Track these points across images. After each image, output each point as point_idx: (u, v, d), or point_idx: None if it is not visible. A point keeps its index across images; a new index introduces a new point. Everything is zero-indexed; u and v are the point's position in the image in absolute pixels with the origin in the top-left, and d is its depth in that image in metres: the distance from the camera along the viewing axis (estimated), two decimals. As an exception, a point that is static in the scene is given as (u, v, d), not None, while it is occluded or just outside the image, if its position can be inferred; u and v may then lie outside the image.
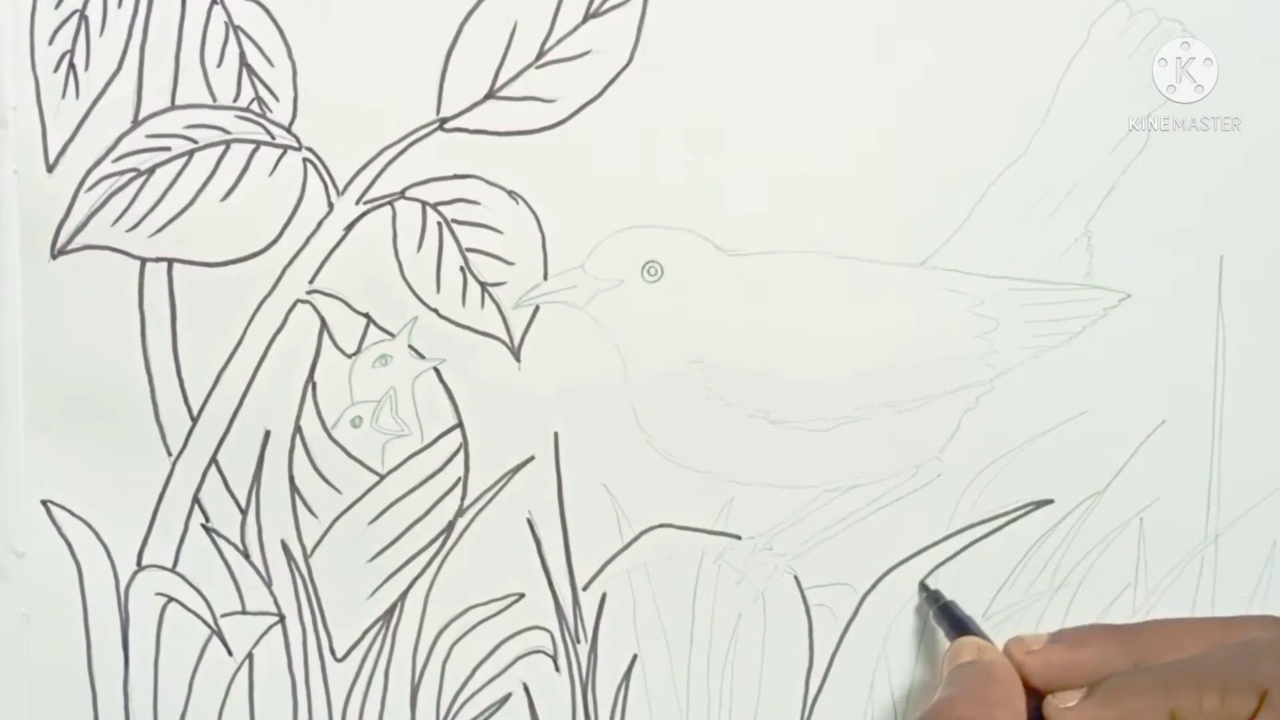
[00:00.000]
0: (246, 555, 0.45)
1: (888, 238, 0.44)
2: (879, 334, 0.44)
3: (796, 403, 0.44)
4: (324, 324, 0.44)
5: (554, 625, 0.45)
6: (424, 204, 0.43)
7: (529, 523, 0.45)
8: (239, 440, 0.44)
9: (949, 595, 0.44)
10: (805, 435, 0.44)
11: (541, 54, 0.43)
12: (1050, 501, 0.45)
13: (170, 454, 0.44)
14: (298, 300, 0.44)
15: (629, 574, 0.45)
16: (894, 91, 0.43)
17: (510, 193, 0.43)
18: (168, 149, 0.43)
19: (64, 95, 0.43)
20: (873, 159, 0.44)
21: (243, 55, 0.43)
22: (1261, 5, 0.44)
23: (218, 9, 0.43)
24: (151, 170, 0.43)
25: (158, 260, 0.44)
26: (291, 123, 0.43)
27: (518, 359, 0.44)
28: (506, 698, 0.45)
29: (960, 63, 0.44)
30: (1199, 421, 0.45)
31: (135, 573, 0.45)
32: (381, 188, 0.43)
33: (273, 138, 0.43)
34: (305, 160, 0.43)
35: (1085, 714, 0.37)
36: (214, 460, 0.44)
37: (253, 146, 0.43)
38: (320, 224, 0.43)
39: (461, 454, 0.44)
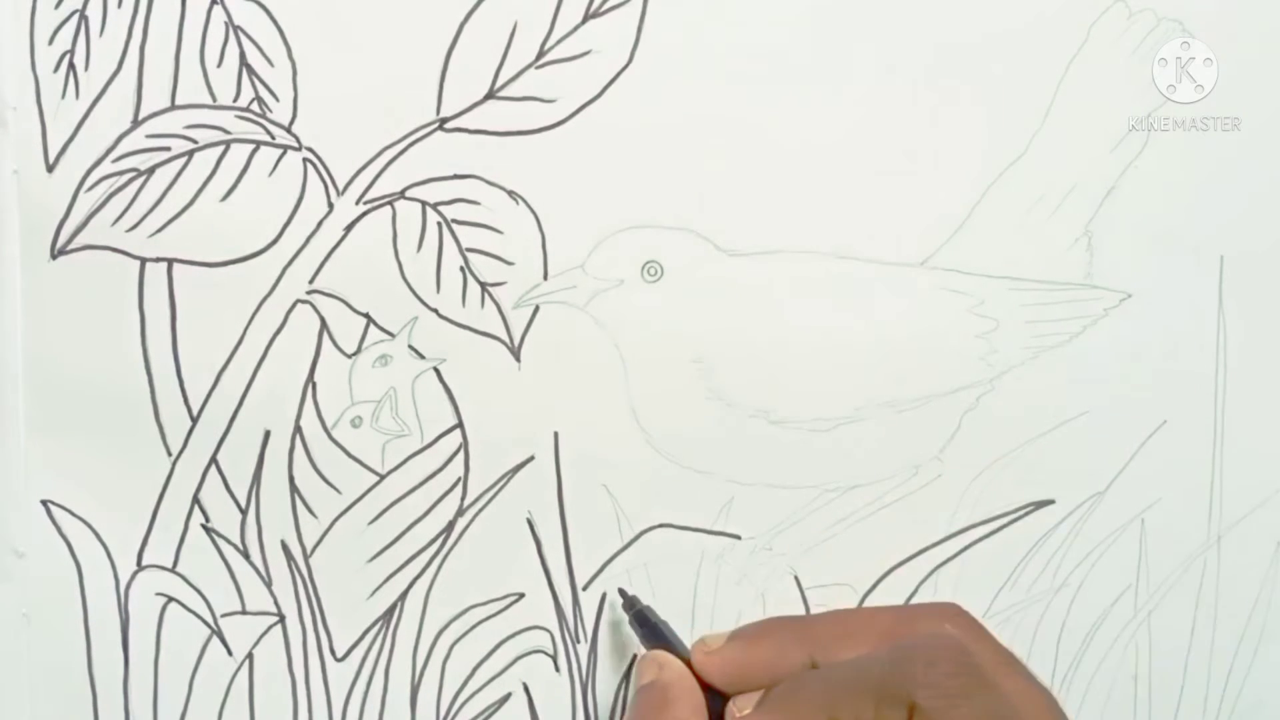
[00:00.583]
0: (246, 555, 0.45)
1: (887, 238, 0.44)
2: (879, 334, 0.44)
3: (796, 403, 0.44)
4: (324, 324, 0.44)
5: (554, 625, 0.45)
6: (424, 204, 0.43)
7: (529, 522, 0.45)
8: (239, 440, 0.44)
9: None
10: (805, 435, 0.44)
11: (541, 54, 0.43)
12: (1051, 502, 0.45)
13: (170, 454, 0.44)
14: (298, 300, 0.44)
15: (629, 574, 0.45)
16: (894, 91, 0.43)
17: (510, 193, 0.43)
18: (168, 149, 0.43)
19: (64, 95, 0.43)
20: (873, 159, 0.44)
21: (243, 55, 0.43)
22: (1261, 5, 0.44)
23: (218, 9, 0.43)
24: (151, 170, 0.43)
25: (158, 260, 0.44)
26: (291, 123, 0.43)
27: (518, 359, 0.44)
28: (506, 697, 0.45)
29: (960, 62, 0.44)
30: (1200, 422, 0.45)
31: (135, 573, 0.45)
32: (381, 188, 0.43)
33: (273, 138, 0.43)
34: (305, 160, 0.43)
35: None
36: (214, 460, 0.44)
37: (253, 146, 0.43)
38: (320, 224, 0.44)
39: (461, 454, 0.44)
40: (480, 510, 0.44)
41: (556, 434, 0.44)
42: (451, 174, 0.43)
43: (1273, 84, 0.44)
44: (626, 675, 0.45)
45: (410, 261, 0.44)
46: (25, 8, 0.43)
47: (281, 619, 0.45)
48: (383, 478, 0.44)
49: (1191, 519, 0.45)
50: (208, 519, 0.44)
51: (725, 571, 0.45)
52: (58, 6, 0.43)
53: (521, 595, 0.45)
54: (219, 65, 0.43)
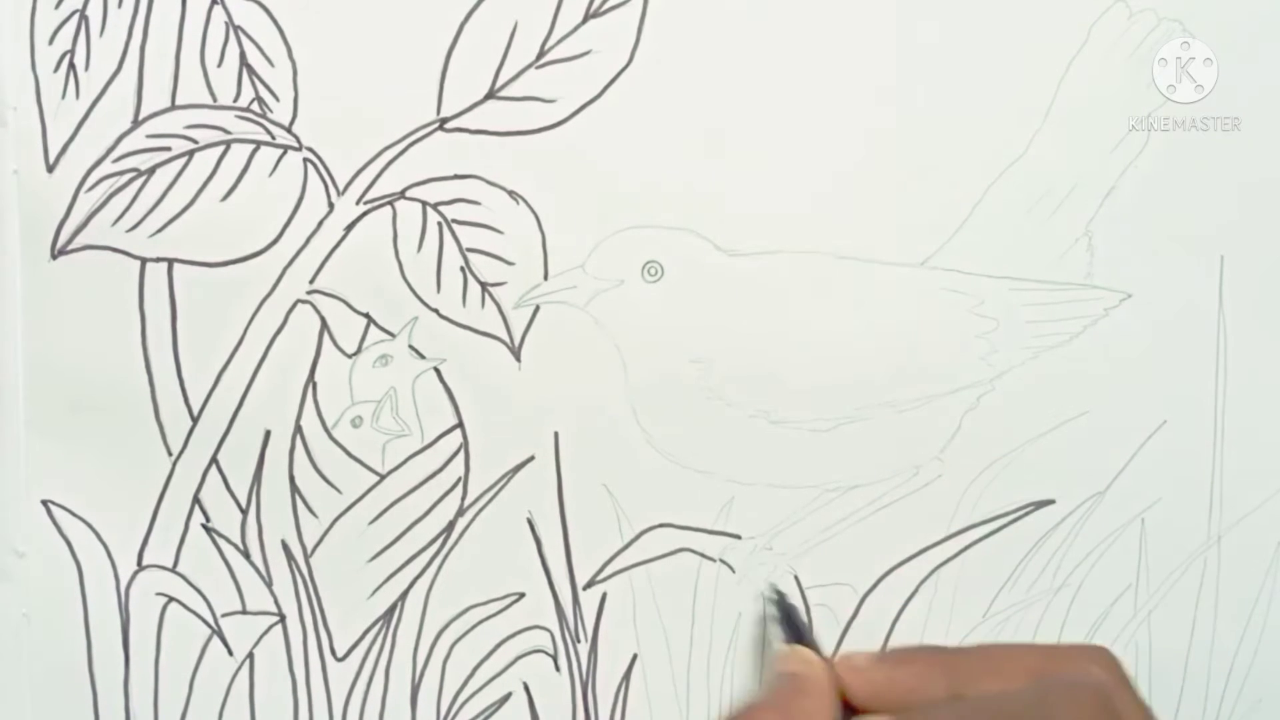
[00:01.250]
0: (247, 555, 0.45)
1: (888, 238, 0.44)
2: (879, 334, 0.44)
3: (797, 403, 0.44)
4: (324, 324, 0.44)
5: (554, 625, 0.45)
6: (424, 204, 0.44)
7: (529, 522, 0.45)
8: (239, 440, 0.44)
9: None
10: (805, 435, 0.44)
11: (541, 54, 0.43)
12: (1051, 502, 0.45)
13: (170, 454, 0.44)
14: (298, 300, 0.44)
15: (629, 574, 0.45)
16: (894, 91, 0.43)
17: (510, 193, 0.43)
18: (168, 149, 0.43)
19: (64, 95, 0.43)
20: (873, 159, 0.44)
21: (243, 55, 0.43)
22: (1261, 5, 0.44)
23: (218, 9, 0.43)
24: (151, 170, 0.43)
25: (158, 260, 0.44)
26: (291, 123, 0.43)
27: (518, 359, 0.44)
28: (507, 697, 0.45)
29: (960, 62, 0.44)
30: (1200, 421, 0.45)
31: (135, 573, 0.45)
32: (382, 188, 0.43)
33: (273, 138, 0.43)
34: (305, 160, 0.43)
35: None
36: (214, 460, 0.44)
37: (253, 146, 0.43)
38: (320, 224, 0.44)
39: (461, 454, 0.44)
40: (480, 510, 0.44)
41: (556, 434, 0.44)
42: (451, 174, 0.43)
43: (1273, 84, 0.44)
44: (627, 675, 0.45)
45: (410, 261, 0.44)
46: (25, 8, 0.43)
47: (282, 619, 0.45)
48: (383, 478, 0.44)
49: (1191, 519, 0.45)
50: (208, 519, 0.44)
51: (725, 571, 0.45)
52: (58, 6, 0.43)
53: (521, 595, 0.45)
54: (219, 65, 0.43)
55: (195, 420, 0.44)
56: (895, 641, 0.45)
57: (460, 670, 0.45)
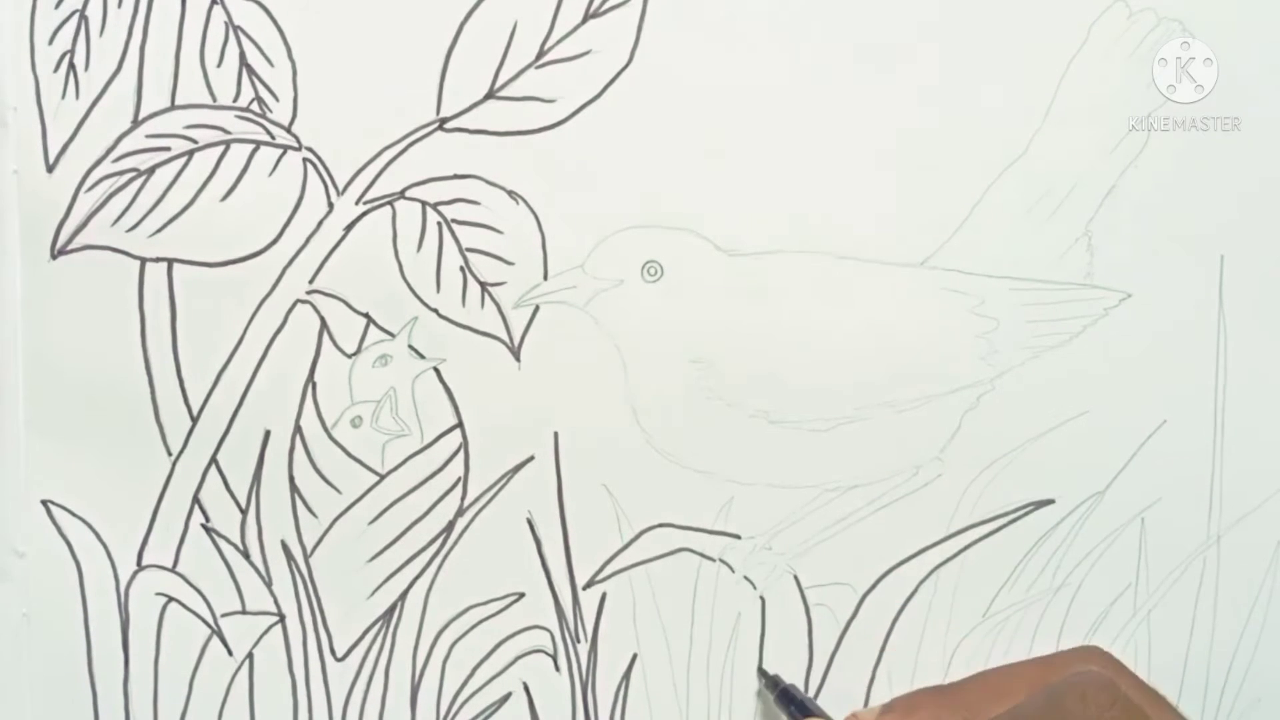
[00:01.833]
0: (246, 555, 0.45)
1: (888, 238, 0.44)
2: (879, 334, 0.44)
3: (796, 402, 0.44)
4: (324, 324, 0.44)
5: (554, 625, 0.45)
6: (424, 204, 0.43)
7: (529, 522, 0.45)
8: (239, 440, 0.44)
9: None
10: (805, 435, 0.44)
11: (541, 54, 0.43)
12: (1051, 501, 0.45)
13: (170, 454, 0.44)
14: (298, 300, 0.44)
15: (629, 574, 0.45)
16: (894, 91, 0.43)
17: (510, 193, 0.43)
18: (168, 149, 0.43)
19: (64, 95, 0.43)
20: (873, 159, 0.44)
21: (243, 55, 0.43)
22: (1261, 5, 0.44)
23: (218, 9, 0.43)
24: (151, 170, 0.43)
25: (158, 260, 0.44)
26: (291, 123, 0.43)
27: (518, 359, 0.44)
28: (506, 697, 0.45)
29: (960, 62, 0.44)
30: (1200, 421, 0.45)
31: (135, 573, 0.45)
32: (381, 188, 0.43)
33: (273, 138, 0.43)
34: (305, 160, 0.43)
35: None
36: (214, 460, 0.44)
37: (253, 146, 0.43)
38: (320, 224, 0.44)
39: (461, 454, 0.44)
40: (480, 510, 0.44)
41: (556, 434, 0.44)
42: (451, 174, 0.43)
43: (1273, 84, 0.44)
44: (627, 675, 0.45)
45: (410, 261, 0.44)
46: (25, 8, 0.43)
47: (281, 619, 0.45)
48: (383, 478, 0.44)
49: (1191, 518, 0.45)
50: (208, 519, 0.44)
51: (725, 571, 0.45)
52: (58, 6, 0.43)
53: (521, 595, 0.45)
54: (219, 65, 0.43)
55: (195, 420, 0.44)
56: (895, 640, 0.45)
57: (460, 670, 0.45)
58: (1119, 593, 0.45)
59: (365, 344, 0.44)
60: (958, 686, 0.40)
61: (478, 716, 0.45)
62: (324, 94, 0.43)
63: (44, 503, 0.44)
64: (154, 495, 0.44)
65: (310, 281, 0.44)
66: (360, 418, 0.44)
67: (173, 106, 0.43)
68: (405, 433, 0.44)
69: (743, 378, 0.44)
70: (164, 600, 0.45)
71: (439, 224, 0.44)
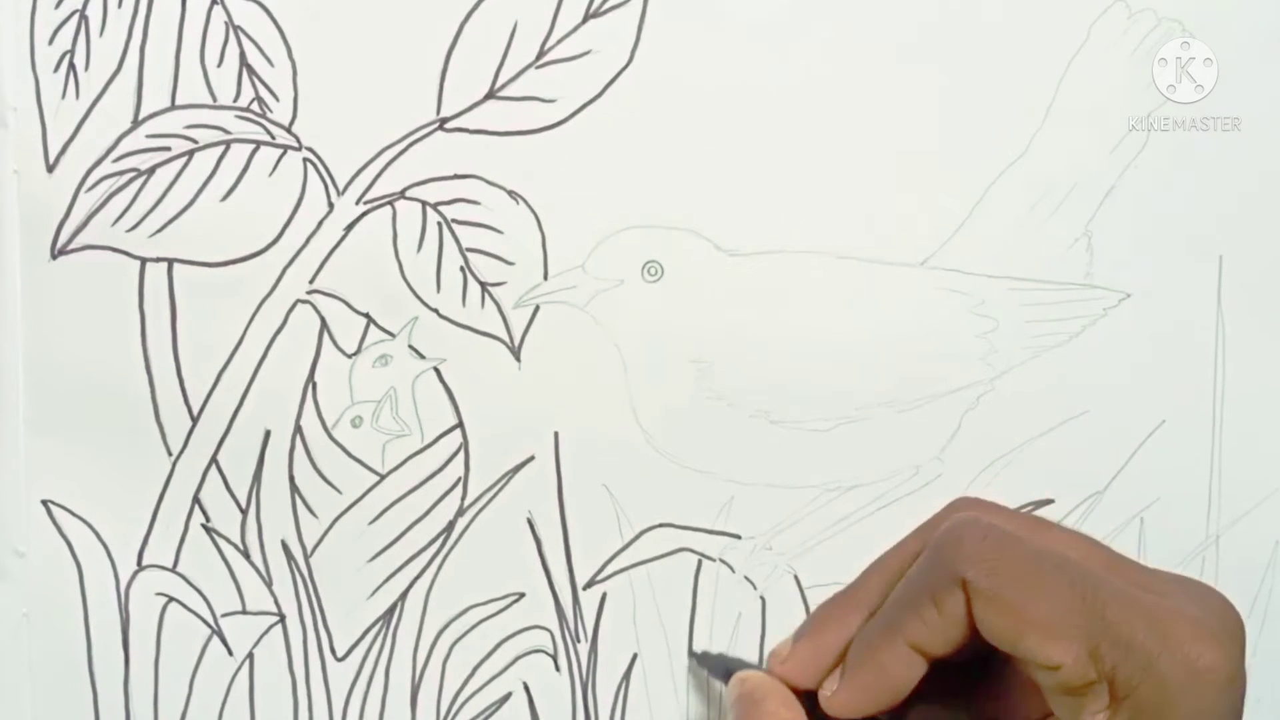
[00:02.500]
0: (247, 555, 0.45)
1: (888, 238, 0.44)
2: (879, 334, 0.44)
3: (796, 402, 0.44)
4: (324, 324, 0.44)
5: (554, 625, 0.45)
6: (424, 204, 0.43)
7: (529, 523, 0.45)
8: (239, 440, 0.44)
9: None
10: (805, 435, 0.44)
11: (541, 54, 0.43)
12: (1050, 501, 0.45)
13: (170, 454, 0.44)
14: (298, 300, 0.44)
15: (629, 574, 0.45)
16: (894, 91, 0.43)
17: (510, 193, 0.43)
18: (168, 149, 0.43)
19: (64, 95, 0.43)
20: (873, 159, 0.44)
21: (243, 55, 0.43)
22: (1261, 5, 0.44)
23: (218, 9, 0.43)
24: (151, 170, 0.43)
25: (158, 260, 0.44)
26: (291, 123, 0.43)
27: (518, 359, 0.44)
28: (506, 697, 0.45)
29: (960, 62, 0.44)
30: (1199, 421, 0.45)
31: (135, 573, 0.45)
32: (381, 188, 0.43)
33: (273, 138, 0.43)
34: (305, 160, 0.43)
35: (846, 691, 0.38)
36: (214, 460, 0.44)
37: (253, 146, 0.43)
38: (320, 224, 0.44)
39: (461, 454, 0.44)
40: (480, 510, 0.44)
41: (556, 434, 0.44)
42: (451, 174, 0.43)
43: (1273, 84, 0.44)
44: (627, 675, 0.45)
45: (410, 261, 0.44)
46: (25, 8, 0.43)
47: (282, 619, 0.45)
48: (383, 478, 0.44)
49: (1190, 518, 0.45)
50: (208, 519, 0.44)
51: (725, 571, 0.45)
52: (58, 6, 0.43)
53: (521, 595, 0.45)
54: (219, 65, 0.43)
55: (195, 420, 0.44)
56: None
57: (460, 670, 0.45)
58: (1118, 592, 0.45)
59: (365, 344, 0.44)
60: (851, 587, 0.41)
61: (478, 716, 0.45)
62: (324, 94, 0.43)
63: (44, 502, 0.44)
64: (154, 495, 0.44)
65: (310, 281, 0.44)
66: (360, 418, 0.44)
67: (173, 106, 0.43)
68: (405, 433, 0.44)
69: (743, 378, 0.44)
70: (164, 600, 0.45)
71: (439, 224, 0.44)
